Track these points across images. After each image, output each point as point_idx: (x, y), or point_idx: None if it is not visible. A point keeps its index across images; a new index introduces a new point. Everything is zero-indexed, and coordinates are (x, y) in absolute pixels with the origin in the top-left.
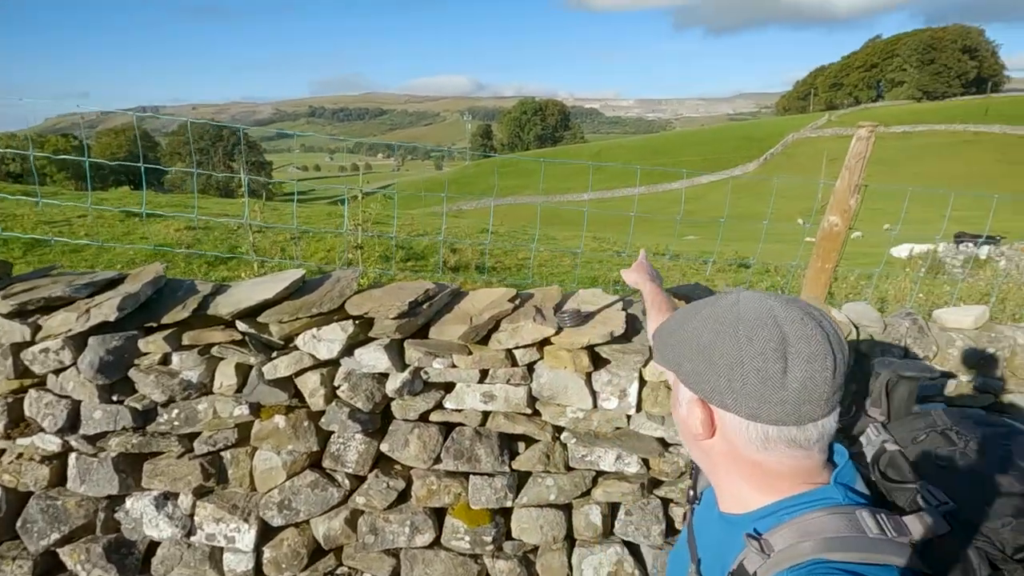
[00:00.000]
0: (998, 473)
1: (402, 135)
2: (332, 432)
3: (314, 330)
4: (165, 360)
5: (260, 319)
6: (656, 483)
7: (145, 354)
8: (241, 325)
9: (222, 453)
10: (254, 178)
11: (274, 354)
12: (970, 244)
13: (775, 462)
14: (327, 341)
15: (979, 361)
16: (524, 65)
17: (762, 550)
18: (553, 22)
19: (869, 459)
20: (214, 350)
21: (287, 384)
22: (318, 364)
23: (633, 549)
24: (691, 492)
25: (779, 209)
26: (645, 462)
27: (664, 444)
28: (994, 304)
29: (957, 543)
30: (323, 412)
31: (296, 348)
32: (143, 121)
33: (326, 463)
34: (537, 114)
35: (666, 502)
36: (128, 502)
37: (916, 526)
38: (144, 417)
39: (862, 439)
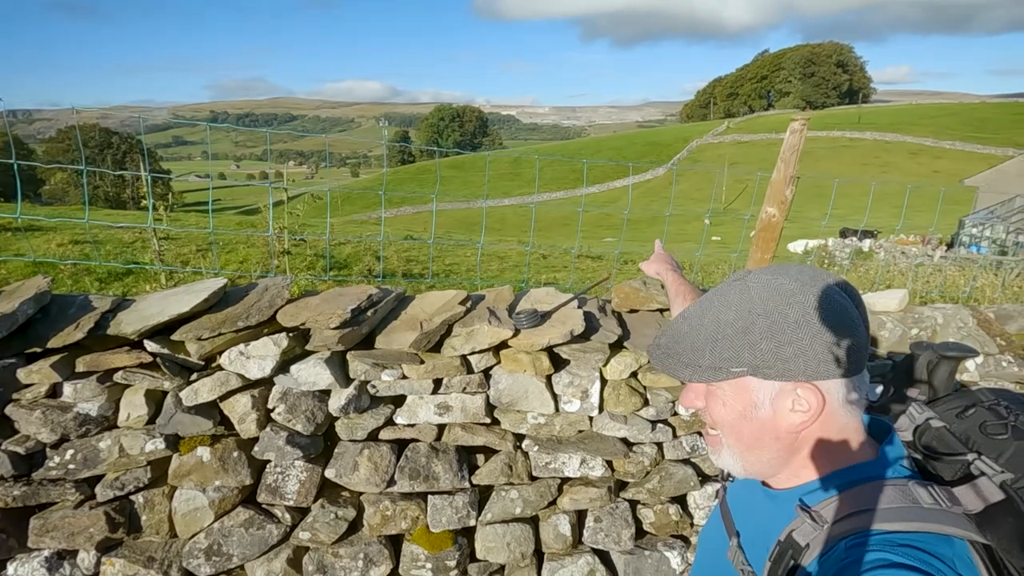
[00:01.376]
0: None
1: (315, 142)
2: (268, 461)
3: (241, 346)
4: (55, 392)
5: (174, 337)
6: (622, 485)
7: (28, 386)
8: (151, 345)
9: (132, 497)
10: (158, 175)
11: (193, 376)
12: (853, 238)
13: (847, 424)
14: (257, 358)
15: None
16: (439, 72)
17: (814, 521)
18: (465, 30)
19: (911, 435)
20: (117, 376)
21: (211, 410)
22: (248, 385)
23: (604, 557)
24: (724, 470)
25: (688, 210)
26: (609, 464)
27: (628, 444)
28: (878, 288)
29: (1012, 511)
30: (256, 439)
31: (220, 368)
32: (13, 127)
33: (262, 497)
34: (455, 120)
35: (634, 504)
36: (10, 568)
37: (969, 496)
38: (29, 462)
39: (904, 418)
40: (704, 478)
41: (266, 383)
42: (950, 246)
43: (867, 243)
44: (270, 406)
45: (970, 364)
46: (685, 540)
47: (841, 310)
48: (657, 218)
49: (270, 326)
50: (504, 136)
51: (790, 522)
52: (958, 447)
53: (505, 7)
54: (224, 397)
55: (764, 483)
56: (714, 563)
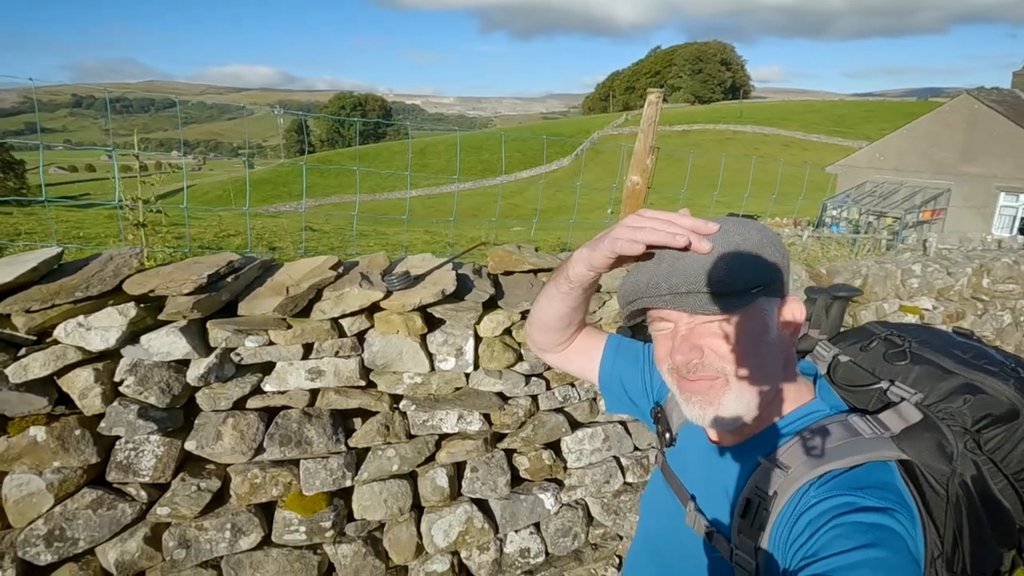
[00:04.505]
0: (944, 360)
1: (202, 130)
2: (118, 437)
3: (81, 318)
4: None
5: None
6: (499, 437)
7: None
8: None
9: None
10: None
11: (22, 352)
12: None
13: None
14: (100, 329)
15: None
16: (336, 58)
17: (777, 468)
18: (360, 16)
19: (824, 371)
20: None
21: (45, 387)
22: (90, 358)
23: (482, 504)
24: (667, 435)
25: (592, 200)
26: (487, 418)
27: (503, 398)
28: None
29: (929, 426)
30: (102, 415)
31: (56, 342)
32: None
33: (112, 476)
34: (357, 109)
35: (509, 453)
36: None
37: (893, 419)
38: None
39: (813, 356)
40: (575, 424)
41: (112, 355)
42: (816, 226)
43: None
44: (118, 379)
45: None
46: (559, 483)
47: None
48: (562, 208)
49: (116, 297)
50: (410, 126)
51: (749, 474)
52: (870, 378)
53: None
54: (61, 372)
55: (712, 440)
56: (667, 530)
